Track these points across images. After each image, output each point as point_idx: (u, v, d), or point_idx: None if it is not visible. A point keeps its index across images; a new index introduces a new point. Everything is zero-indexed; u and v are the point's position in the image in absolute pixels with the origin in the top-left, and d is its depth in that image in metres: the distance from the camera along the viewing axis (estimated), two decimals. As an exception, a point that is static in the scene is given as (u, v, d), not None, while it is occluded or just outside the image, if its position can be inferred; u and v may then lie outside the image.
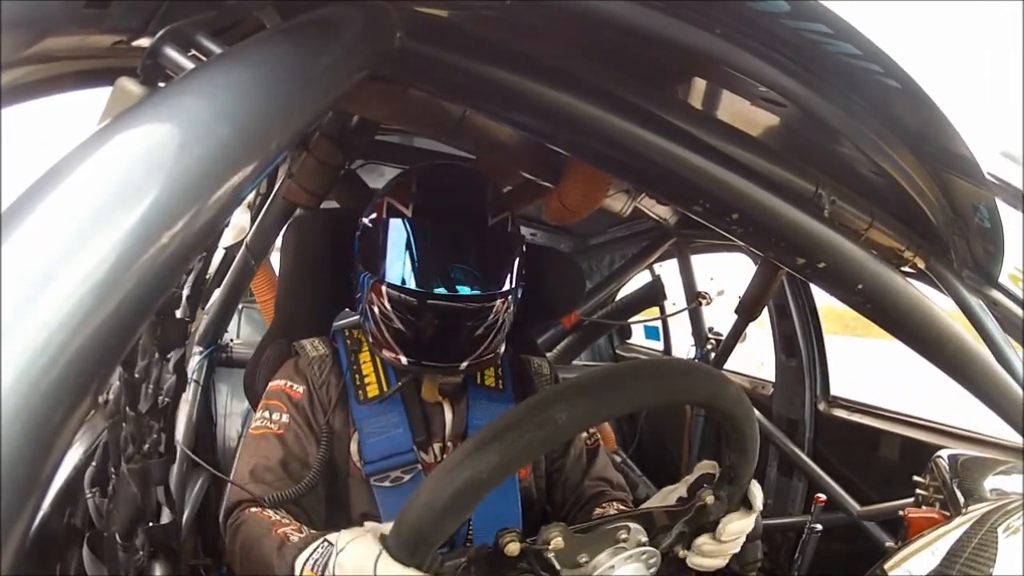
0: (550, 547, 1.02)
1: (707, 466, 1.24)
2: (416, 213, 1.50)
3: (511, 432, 0.92)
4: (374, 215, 1.56)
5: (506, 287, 1.54)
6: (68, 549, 1.62)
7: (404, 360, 1.53)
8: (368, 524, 1.13)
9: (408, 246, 1.50)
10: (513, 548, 1.00)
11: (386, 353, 1.55)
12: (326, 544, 1.12)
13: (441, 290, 1.49)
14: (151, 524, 1.44)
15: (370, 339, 1.60)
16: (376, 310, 1.52)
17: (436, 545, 0.94)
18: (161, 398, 1.54)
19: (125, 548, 1.36)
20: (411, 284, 1.48)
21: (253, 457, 1.50)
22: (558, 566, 1.03)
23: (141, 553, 1.37)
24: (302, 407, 1.55)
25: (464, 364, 1.54)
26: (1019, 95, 1.06)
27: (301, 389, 1.57)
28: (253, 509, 1.40)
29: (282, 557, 1.20)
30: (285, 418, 1.53)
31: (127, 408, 1.39)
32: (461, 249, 1.52)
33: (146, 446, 1.40)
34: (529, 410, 0.96)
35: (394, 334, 1.52)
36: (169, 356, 1.57)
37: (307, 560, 1.12)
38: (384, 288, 1.49)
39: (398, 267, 1.50)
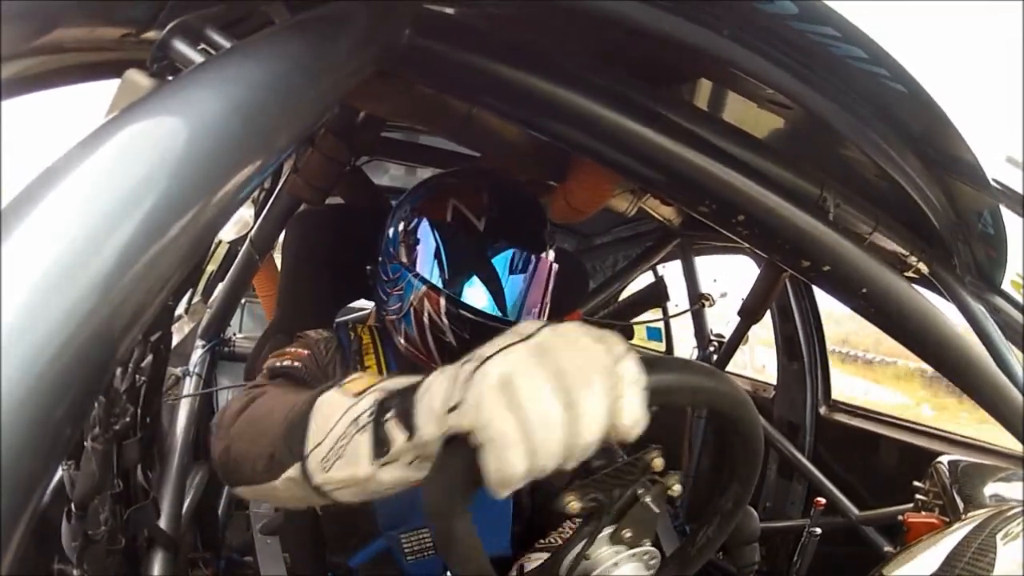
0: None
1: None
2: (489, 230, 1.47)
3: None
4: (434, 213, 1.50)
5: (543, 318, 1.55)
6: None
7: None
8: None
9: (478, 263, 1.47)
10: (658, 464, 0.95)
11: (421, 359, 1.53)
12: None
13: (503, 314, 1.47)
14: (131, 507, 1.46)
15: (401, 339, 1.56)
16: (426, 319, 1.48)
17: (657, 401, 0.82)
18: (139, 378, 1.54)
19: (80, 517, 1.38)
20: (477, 304, 1.45)
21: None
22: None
23: (103, 528, 1.39)
24: (307, 361, 1.48)
25: None
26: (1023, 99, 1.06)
27: (305, 352, 1.52)
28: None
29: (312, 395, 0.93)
30: (297, 364, 1.46)
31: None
32: (525, 277, 1.50)
33: (117, 427, 1.42)
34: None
35: (439, 345, 1.49)
36: (151, 338, 1.57)
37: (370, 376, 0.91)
38: (443, 301, 1.45)
39: (461, 283, 1.47)
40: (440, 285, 1.46)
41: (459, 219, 1.48)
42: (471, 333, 1.45)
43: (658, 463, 0.94)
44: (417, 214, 1.52)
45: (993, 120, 1.09)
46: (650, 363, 0.76)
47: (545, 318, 1.56)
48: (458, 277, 1.47)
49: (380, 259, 1.60)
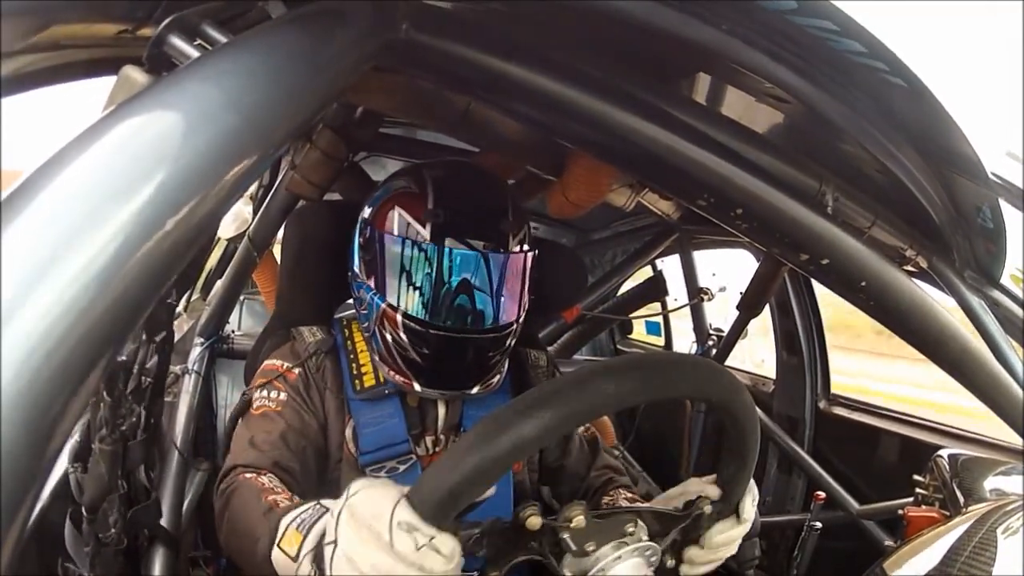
0: (571, 524, 0.99)
1: (706, 480, 1.20)
2: (435, 237, 1.40)
3: (555, 399, 0.88)
4: (382, 225, 1.46)
5: (523, 309, 1.53)
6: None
7: (417, 387, 1.49)
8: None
9: (426, 275, 1.42)
10: (534, 522, 0.97)
11: (396, 377, 1.51)
12: (317, 507, 1.07)
13: (463, 323, 1.45)
14: (134, 507, 1.46)
15: (376, 357, 1.55)
16: (389, 337, 1.47)
17: (459, 508, 0.88)
18: (144, 379, 1.54)
19: (90, 521, 1.38)
20: (431, 318, 1.43)
21: (251, 431, 1.46)
22: (573, 547, 1.01)
23: (113, 531, 1.39)
24: (297, 387, 1.52)
25: (475, 389, 1.52)
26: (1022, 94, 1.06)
27: (296, 371, 1.54)
28: (248, 474, 1.36)
29: (267, 520, 1.14)
30: (283, 396, 1.50)
31: (104, 391, 1.39)
32: (483, 280, 1.44)
33: (123, 427, 1.42)
34: (576, 380, 0.90)
35: (407, 362, 1.47)
36: (156, 338, 1.57)
37: (293, 519, 1.08)
38: (399, 318, 1.43)
39: (415, 297, 1.44)
40: (395, 301, 1.45)
41: (404, 227, 1.43)
42: (432, 348, 1.44)
43: None
44: (369, 226, 1.50)
45: (992, 114, 1.09)
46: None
47: (523, 312, 1.54)
48: (411, 292, 1.44)
49: (349, 276, 1.60)
